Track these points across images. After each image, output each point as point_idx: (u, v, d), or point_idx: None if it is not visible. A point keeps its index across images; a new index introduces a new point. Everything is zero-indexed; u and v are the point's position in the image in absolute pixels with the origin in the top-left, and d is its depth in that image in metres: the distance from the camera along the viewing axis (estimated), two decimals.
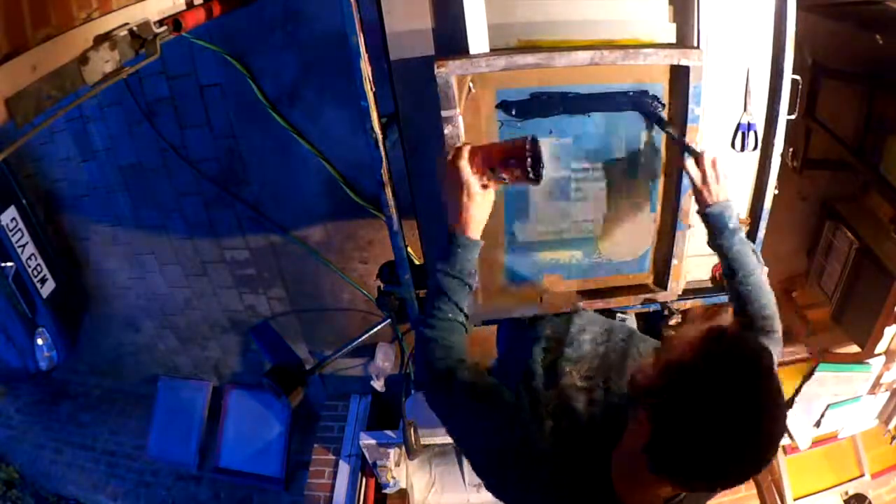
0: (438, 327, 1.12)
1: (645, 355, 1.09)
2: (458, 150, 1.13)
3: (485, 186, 1.12)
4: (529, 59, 1.21)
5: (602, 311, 1.57)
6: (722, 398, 0.80)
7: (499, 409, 1.03)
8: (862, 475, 3.59)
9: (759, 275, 1.27)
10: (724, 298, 1.59)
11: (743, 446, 0.80)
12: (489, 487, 1.06)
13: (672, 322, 1.62)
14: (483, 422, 1.03)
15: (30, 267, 3.79)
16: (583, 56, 1.20)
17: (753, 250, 1.29)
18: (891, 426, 2.86)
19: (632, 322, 1.70)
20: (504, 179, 1.11)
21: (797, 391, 2.64)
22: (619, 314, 1.66)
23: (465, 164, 1.10)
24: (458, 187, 1.11)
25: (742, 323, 1.25)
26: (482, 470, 1.06)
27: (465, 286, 1.14)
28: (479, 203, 1.12)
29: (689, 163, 1.27)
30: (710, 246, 1.31)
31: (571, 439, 0.99)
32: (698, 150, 1.27)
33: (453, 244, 1.13)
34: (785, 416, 0.87)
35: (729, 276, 1.28)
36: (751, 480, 3.75)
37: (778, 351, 1.20)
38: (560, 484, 0.96)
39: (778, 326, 1.24)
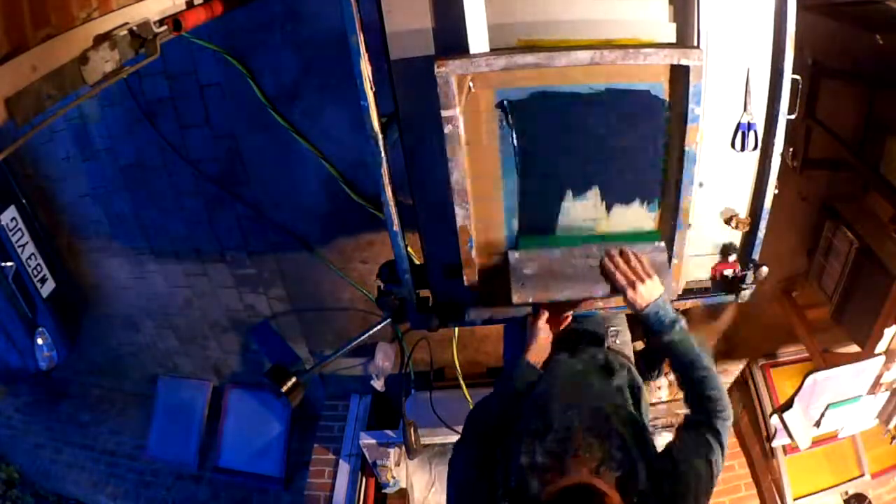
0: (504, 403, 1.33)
1: (605, 442, 1.05)
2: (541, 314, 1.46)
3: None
4: (529, 58, 1.21)
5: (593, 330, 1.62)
6: None
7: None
8: (862, 475, 3.59)
9: (705, 359, 1.32)
10: (724, 298, 1.60)
11: None
12: None
13: (674, 295, 1.61)
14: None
15: (30, 267, 3.78)
16: (583, 56, 1.20)
17: (700, 341, 1.35)
18: (891, 426, 2.85)
19: (624, 335, 1.69)
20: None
21: (797, 391, 2.64)
22: (611, 328, 1.67)
23: (544, 325, 1.45)
24: (541, 333, 1.44)
25: (692, 410, 1.30)
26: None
27: (521, 395, 1.33)
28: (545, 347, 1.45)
29: (612, 271, 1.35)
30: (652, 344, 1.38)
31: None
32: (649, 246, 1.39)
33: (525, 368, 1.40)
34: None
35: (676, 367, 1.34)
36: (750, 480, 3.76)
37: (726, 428, 1.24)
38: None
39: (726, 405, 1.27)
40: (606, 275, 1.37)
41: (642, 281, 1.31)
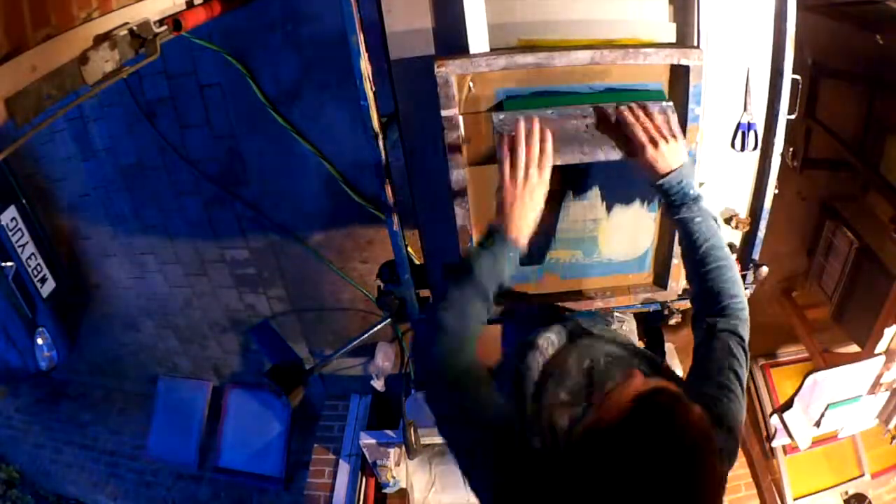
0: (458, 317, 1.02)
1: (625, 377, 0.95)
2: (544, 147, 1.09)
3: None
4: (529, 58, 1.21)
5: (600, 312, 1.57)
6: (633, 481, 0.69)
7: (492, 425, 0.94)
8: (862, 475, 3.59)
9: (724, 245, 1.13)
10: None
11: None
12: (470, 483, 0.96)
13: (672, 322, 1.61)
14: (474, 433, 0.94)
15: (30, 267, 3.79)
16: (583, 56, 1.20)
17: (714, 218, 1.15)
18: (891, 426, 2.85)
19: (630, 323, 1.69)
20: None
21: (797, 391, 2.64)
22: (616, 314, 1.65)
23: (549, 167, 1.09)
24: (523, 184, 1.07)
25: (705, 308, 1.10)
26: (467, 471, 0.97)
27: (498, 287, 1.07)
28: (540, 202, 1.10)
29: (632, 124, 1.12)
30: (667, 218, 1.17)
31: (550, 456, 0.91)
32: (655, 106, 1.12)
33: (503, 246, 1.06)
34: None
35: (689, 250, 1.13)
36: (751, 480, 3.76)
37: (748, 328, 1.07)
38: (527, 499, 0.86)
39: (745, 304, 1.09)
40: (623, 127, 1.13)
41: (666, 140, 1.10)
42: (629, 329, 1.65)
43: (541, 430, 0.97)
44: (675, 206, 1.13)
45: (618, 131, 1.16)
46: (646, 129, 1.11)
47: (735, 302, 1.08)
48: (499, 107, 1.23)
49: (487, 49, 1.24)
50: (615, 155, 1.17)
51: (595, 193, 1.40)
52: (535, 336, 1.21)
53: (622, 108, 1.14)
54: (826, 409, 2.72)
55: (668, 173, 1.11)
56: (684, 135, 1.26)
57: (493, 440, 0.91)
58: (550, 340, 1.19)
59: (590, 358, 1.05)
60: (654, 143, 1.10)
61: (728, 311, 1.07)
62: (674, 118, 1.16)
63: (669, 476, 0.69)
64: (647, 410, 0.74)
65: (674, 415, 0.74)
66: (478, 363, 1.00)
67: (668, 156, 1.11)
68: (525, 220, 1.07)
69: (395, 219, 1.46)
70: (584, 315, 1.55)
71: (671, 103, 1.20)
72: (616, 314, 1.64)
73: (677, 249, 1.42)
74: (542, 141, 1.09)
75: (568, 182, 1.39)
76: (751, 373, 3.74)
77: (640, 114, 1.13)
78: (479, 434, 0.93)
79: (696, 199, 1.13)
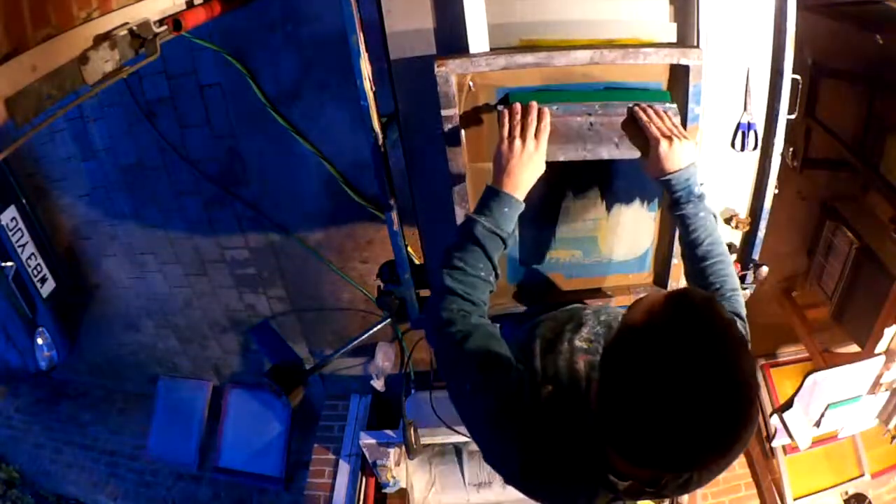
0: (465, 281, 1.05)
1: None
2: (541, 118, 1.11)
3: None
4: (529, 58, 1.21)
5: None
6: (678, 366, 0.69)
7: (503, 378, 0.97)
8: (862, 475, 3.59)
9: (722, 241, 1.16)
10: None
11: (700, 424, 0.69)
12: (481, 446, 1.00)
13: None
14: (486, 393, 0.97)
15: (30, 267, 3.79)
16: (583, 55, 1.20)
17: (714, 215, 1.19)
18: (891, 426, 2.85)
19: None
20: None
21: (797, 391, 2.64)
22: (619, 308, 1.65)
23: (545, 136, 1.11)
24: (522, 151, 1.09)
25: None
26: (477, 430, 1.01)
27: (502, 244, 1.08)
28: (537, 169, 1.11)
29: (647, 121, 1.14)
30: (669, 214, 1.19)
31: (569, 402, 0.92)
32: (660, 106, 1.15)
33: (499, 201, 1.08)
34: (756, 393, 0.74)
35: (691, 246, 1.16)
36: (751, 480, 3.75)
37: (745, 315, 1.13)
38: (551, 446, 0.90)
39: (741, 305, 1.15)
40: (635, 124, 1.16)
41: (679, 138, 1.12)
42: None
43: (556, 375, 0.96)
44: (680, 202, 1.15)
45: (628, 128, 1.18)
46: (659, 127, 1.14)
47: (736, 294, 1.13)
48: (504, 101, 1.24)
49: (487, 49, 1.24)
50: (618, 153, 1.19)
51: (595, 193, 1.41)
52: (550, 312, 1.24)
53: (636, 106, 1.16)
54: (826, 409, 2.71)
55: (677, 170, 1.13)
56: None
57: (507, 403, 0.93)
58: (567, 309, 1.22)
59: (607, 313, 1.08)
60: (669, 139, 1.12)
61: (732, 302, 1.13)
62: (677, 120, 1.19)
63: (714, 360, 0.70)
64: (684, 306, 0.76)
65: (706, 306, 0.76)
66: (487, 323, 1.03)
67: (679, 153, 1.13)
68: (522, 176, 1.09)
69: (395, 219, 1.46)
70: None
71: (675, 105, 1.21)
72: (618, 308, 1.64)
73: (677, 249, 1.42)
74: (541, 114, 1.12)
75: (568, 182, 1.39)
76: None
77: (653, 112, 1.16)
78: (492, 400, 0.95)
79: (701, 196, 1.15)
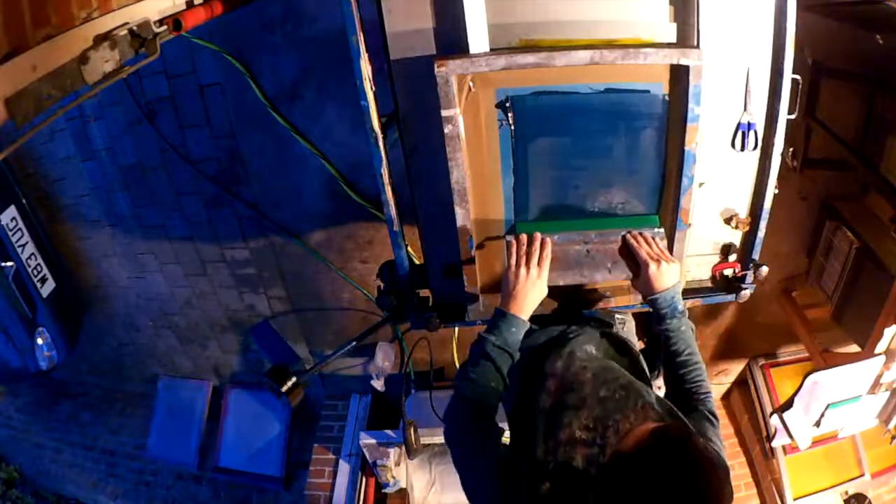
0: (478, 392, 1.21)
1: (641, 412, 1.02)
2: (544, 248, 1.29)
3: None
4: (529, 58, 1.21)
5: (600, 312, 1.57)
6: (661, 494, 0.84)
7: (506, 480, 1.09)
8: (862, 475, 3.59)
9: (698, 355, 1.30)
10: (724, 298, 1.60)
11: None
12: None
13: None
14: (489, 486, 1.10)
15: (30, 267, 3.79)
16: (583, 55, 1.20)
17: (692, 328, 1.33)
18: (891, 426, 2.85)
19: (630, 324, 1.69)
20: None
21: (797, 391, 2.64)
22: (617, 315, 1.65)
23: (547, 264, 1.28)
24: (526, 278, 1.26)
25: (683, 403, 1.23)
26: None
27: (510, 359, 1.24)
28: (540, 293, 1.27)
29: (637, 247, 1.31)
30: (654, 331, 1.33)
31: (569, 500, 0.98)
32: (649, 232, 1.31)
33: (507, 322, 1.24)
34: None
35: (672, 355, 1.30)
36: (751, 480, 3.76)
37: (721, 440, 1.21)
38: None
39: (713, 405, 1.26)
40: (627, 249, 1.33)
41: (667, 262, 1.29)
42: (629, 329, 1.66)
43: (555, 471, 1.01)
44: (665, 318, 1.29)
45: (621, 253, 1.35)
46: (648, 252, 1.31)
47: (708, 396, 1.26)
48: (512, 228, 1.42)
49: (487, 49, 1.24)
50: (610, 276, 1.36)
51: (595, 193, 1.41)
52: (550, 360, 1.24)
53: (627, 235, 1.34)
54: (826, 409, 2.72)
55: (664, 289, 1.28)
56: (685, 136, 1.28)
57: (502, 491, 1.07)
58: (564, 361, 1.22)
59: (606, 387, 1.10)
60: (657, 262, 1.28)
61: (705, 403, 1.25)
62: (665, 245, 1.35)
63: (693, 493, 0.85)
64: (665, 441, 0.91)
65: (688, 443, 0.91)
66: (494, 426, 1.19)
67: (666, 274, 1.28)
68: (527, 300, 1.26)
69: (395, 219, 1.46)
70: (591, 314, 1.56)
71: (662, 230, 1.38)
72: (616, 315, 1.64)
73: (677, 249, 1.43)
74: (543, 245, 1.30)
75: (568, 181, 1.39)
76: (751, 373, 3.76)
77: (643, 239, 1.33)
78: (489, 485, 1.10)
79: (683, 312, 1.30)
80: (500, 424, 1.21)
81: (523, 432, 1.13)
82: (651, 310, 1.32)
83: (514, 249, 1.30)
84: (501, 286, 1.28)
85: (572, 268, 1.35)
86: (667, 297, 1.28)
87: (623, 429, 0.97)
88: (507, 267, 1.29)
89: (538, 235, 1.30)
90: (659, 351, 1.37)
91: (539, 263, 1.28)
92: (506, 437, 1.20)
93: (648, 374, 1.36)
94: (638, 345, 1.65)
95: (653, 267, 1.28)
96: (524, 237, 1.30)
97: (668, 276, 1.28)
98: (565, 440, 1.01)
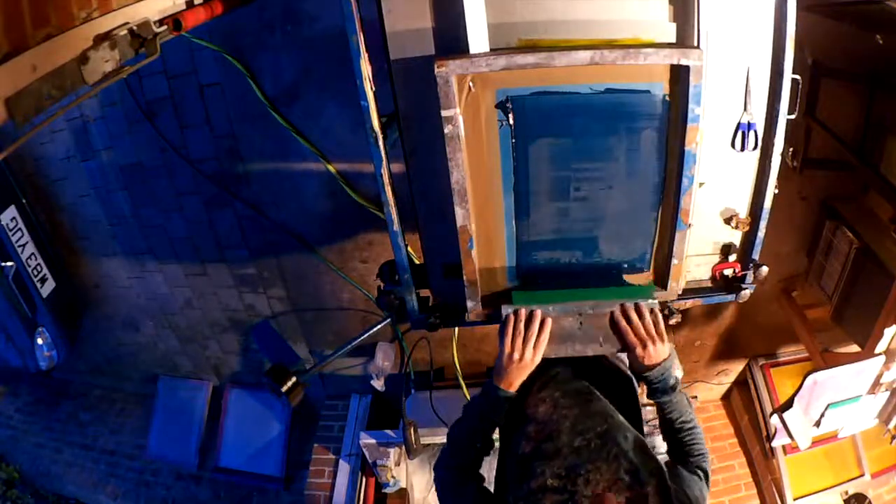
0: (463, 452, 1.34)
1: (614, 464, 1.05)
2: (542, 330, 1.32)
3: None
4: (529, 58, 1.21)
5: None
6: None
7: None
8: (862, 475, 3.60)
9: (695, 418, 1.35)
10: (724, 298, 1.60)
11: None
12: None
13: (672, 322, 1.61)
14: None
15: (30, 267, 3.79)
16: (583, 56, 1.20)
17: (688, 398, 1.38)
18: (891, 426, 2.85)
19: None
20: None
21: (797, 391, 2.64)
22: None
23: (543, 347, 1.32)
24: (520, 362, 1.30)
25: (679, 458, 1.33)
26: None
27: (495, 426, 1.34)
28: (530, 370, 1.32)
29: (625, 329, 1.33)
30: (649, 398, 1.36)
31: None
32: (644, 307, 1.33)
33: (499, 398, 1.31)
34: None
35: (667, 423, 1.35)
36: (751, 480, 3.76)
37: (706, 495, 1.26)
38: None
39: (707, 464, 1.31)
40: (616, 329, 1.34)
41: (654, 342, 1.30)
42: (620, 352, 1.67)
43: None
44: (657, 392, 1.33)
45: (612, 328, 1.36)
46: (637, 333, 1.31)
47: (703, 455, 1.33)
48: (508, 297, 1.42)
49: (487, 49, 1.24)
50: (601, 350, 1.37)
51: (595, 193, 1.41)
52: (533, 404, 1.30)
53: (616, 313, 1.34)
54: (826, 409, 2.72)
55: (653, 367, 1.30)
56: (685, 136, 1.28)
57: None
58: (547, 407, 1.28)
59: (582, 437, 1.12)
60: (644, 345, 1.30)
61: (699, 461, 1.32)
62: (659, 317, 1.34)
63: None
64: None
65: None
66: (475, 482, 1.31)
67: (653, 354, 1.30)
68: (518, 380, 1.31)
69: (395, 219, 1.46)
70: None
71: (656, 301, 1.37)
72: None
73: (677, 250, 1.43)
74: (542, 326, 1.32)
75: (568, 183, 1.39)
76: (751, 373, 3.77)
77: (634, 317, 1.33)
78: None
79: (675, 385, 1.33)
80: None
81: (500, 475, 1.24)
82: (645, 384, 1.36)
83: (510, 328, 1.32)
84: (496, 360, 1.32)
85: (565, 341, 1.36)
86: (657, 374, 1.31)
87: (593, 479, 1.01)
88: (503, 347, 1.31)
89: (538, 315, 1.32)
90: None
91: (535, 347, 1.31)
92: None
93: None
94: (627, 373, 1.66)
95: (639, 350, 1.30)
96: (523, 314, 1.33)
97: (657, 355, 1.30)
98: (536, 488, 1.04)
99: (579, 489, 1.00)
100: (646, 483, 1.03)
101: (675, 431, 1.34)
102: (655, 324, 1.32)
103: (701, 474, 1.27)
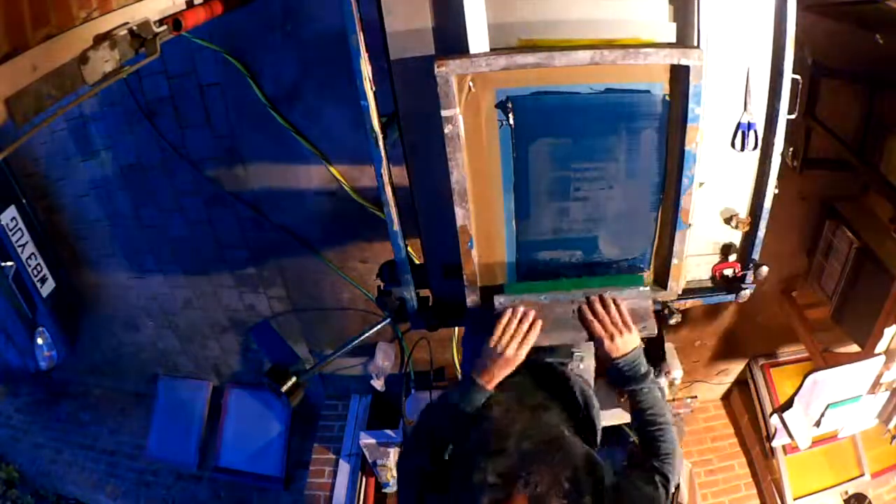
0: (431, 440, 1.30)
1: (556, 469, 1.05)
2: (532, 329, 1.34)
3: None
4: (529, 58, 1.21)
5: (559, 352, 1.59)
6: None
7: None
8: (862, 475, 3.60)
9: (668, 416, 1.34)
10: (724, 298, 1.60)
11: None
12: None
13: (672, 322, 1.61)
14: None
15: (30, 267, 3.79)
16: (583, 55, 1.21)
17: (661, 388, 1.38)
18: (891, 426, 2.85)
19: (589, 361, 1.70)
20: None
21: (797, 391, 2.64)
22: (575, 351, 1.67)
23: (529, 346, 1.33)
24: (504, 357, 1.31)
25: (647, 453, 1.31)
26: None
27: (467, 423, 1.30)
28: (513, 367, 1.33)
29: (590, 321, 1.35)
30: (622, 390, 1.38)
31: None
32: (633, 291, 1.36)
33: (477, 393, 1.31)
34: None
35: (637, 414, 1.35)
36: (751, 480, 3.76)
37: (673, 480, 1.26)
38: None
39: (676, 462, 1.29)
40: (584, 322, 1.38)
41: (620, 333, 1.33)
42: (586, 367, 1.69)
43: None
44: (629, 382, 1.34)
45: (581, 321, 1.39)
46: (603, 324, 1.35)
47: (667, 458, 1.29)
48: (500, 288, 1.44)
49: (487, 49, 1.24)
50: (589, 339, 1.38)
51: (595, 193, 1.41)
52: (489, 405, 1.31)
53: (583, 307, 1.38)
54: (826, 409, 2.72)
55: (620, 357, 1.32)
56: (685, 136, 1.28)
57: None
58: (501, 408, 1.29)
59: (530, 440, 1.14)
60: (611, 338, 1.33)
61: (663, 463, 1.28)
62: (626, 308, 1.37)
63: None
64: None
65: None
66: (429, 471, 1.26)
67: (621, 345, 1.33)
68: (500, 375, 1.32)
69: (395, 219, 1.46)
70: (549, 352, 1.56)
71: (648, 289, 1.42)
72: (575, 351, 1.67)
73: (677, 249, 1.43)
74: (532, 326, 1.34)
75: (568, 182, 1.39)
76: (751, 373, 3.77)
77: (599, 310, 1.36)
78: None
79: (646, 374, 1.34)
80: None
81: (449, 461, 1.22)
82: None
83: (502, 323, 1.34)
84: (482, 351, 1.33)
85: (559, 328, 1.38)
86: (626, 362, 1.32)
87: (533, 482, 1.01)
88: (491, 339, 1.33)
89: (530, 314, 1.35)
90: (661, 341, 1.41)
91: (521, 344, 1.33)
92: None
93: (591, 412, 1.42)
94: (592, 381, 1.68)
95: (606, 343, 1.33)
96: (518, 312, 1.35)
97: (624, 345, 1.33)
98: (477, 483, 1.05)
99: (517, 489, 1.01)
100: (584, 493, 1.04)
101: (644, 424, 1.33)
102: (621, 314, 1.35)
103: (658, 479, 1.24)
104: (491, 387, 1.31)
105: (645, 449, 1.32)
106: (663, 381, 3.03)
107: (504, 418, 1.24)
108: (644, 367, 1.34)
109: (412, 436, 1.36)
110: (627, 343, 1.33)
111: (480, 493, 1.03)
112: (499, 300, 1.41)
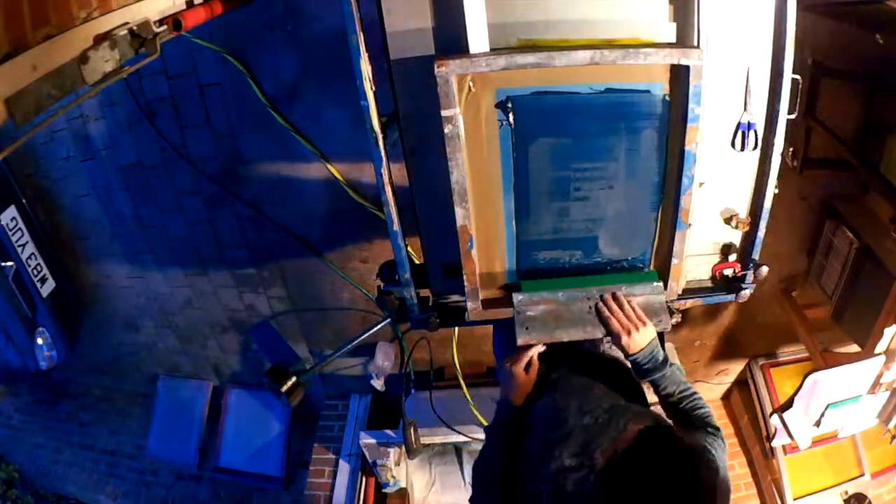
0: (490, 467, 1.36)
1: (625, 430, 1.07)
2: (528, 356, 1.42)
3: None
4: (530, 58, 1.21)
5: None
6: (654, 482, 0.94)
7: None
8: (862, 475, 3.60)
9: (690, 385, 1.39)
10: (724, 298, 1.60)
11: None
12: None
13: (672, 321, 1.61)
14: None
15: (30, 267, 3.78)
16: (583, 55, 1.20)
17: (679, 368, 1.41)
18: (891, 426, 2.85)
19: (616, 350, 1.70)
20: None
21: (797, 391, 2.64)
22: (606, 339, 1.66)
23: (520, 370, 1.41)
24: (521, 377, 1.40)
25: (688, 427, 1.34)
26: None
27: (512, 441, 1.34)
28: (531, 385, 1.42)
29: (607, 317, 1.38)
30: (641, 379, 1.40)
31: None
32: (647, 287, 1.39)
33: (511, 412, 1.39)
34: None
35: (665, 398, 1.39)
36: (751, 479, 3.76)
37: (722, 446, 1.28)
38: None
39: (714, 420, 1.35)
40: (601, 319, 1.41)
41: (636, 328, 1.35)
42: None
43: (547, 498, 1.07)
44: (648, 373, 1.37)
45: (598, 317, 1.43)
46: (619, 321, 1.37)
47: (708, 416, 1.36)
48: (517, 287, 1.46)
49: (487, 49, 1.24)
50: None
51: (595, 193, 1.41)
52: (536, 407, 1.36)
53: (599, 304, 1.42)
54: (826, 409, 2.72)
55: (637, 352, 1.35)
56: (685, 136, 1.28)
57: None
58: (551, 405, 1.33)
59: (590, 415, 1.17)
60: (628, 333, 1.35)
61: (704, 421, 1.35)
62: (638, 305, 1.40)
63: (678, 480, 0.96)
64: (648, 437, 1.03)
65: (668, 436, 1.06)
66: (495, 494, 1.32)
67: (638, 340, 1.35)
68: (525, 394, 1.41)
69: (395, 219, 1.46)
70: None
71: (660, 284, 1.45)
72: (605, 339, 1.65)
73: (677, 249, 1.43)
74: (533, 362, 1.43)
75: (568, 182, 1.39)
76: (751, 373, 3.77)
77: (614, 307, 1.39)
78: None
79: (664, 362, 1.37)
80: None
81: (515, 468, 1.25)
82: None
83: (510, 364, 1.42)
84: (502, 381, 1.44)
85: (577, 325, 1.40)
86: (644, 356, 1.35)
87: (608, 449, 1.03)
88: (507, 368, 1.42)
89: (535, 364, 1.43)
90: (661, 340, 1.45)
91: (530, 366, 1.42)
92: None
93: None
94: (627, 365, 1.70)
95: (623, 338, 1.35)
96: (528, 356, 1.42)
97: (641, 340, 1.35)
98: (555, 471, 1.06)
99: (597, 460, 1.02)
100: (657, 448, 1.05)
101: (675, 404, 1.37)
102: (634, 311, 1.38)
103: (712, 430, 1.29)
104: (521, 402, 1.39)
105: (684, 422, 1.35)
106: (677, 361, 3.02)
107: (555, 409, 1.27)
108: (661, 355, 1.37)
109: (474, 480, 1.41)
110: (644, 337, 1.35)
111: (564, 479, 1.04)
112: (517, 298, 1.42)
